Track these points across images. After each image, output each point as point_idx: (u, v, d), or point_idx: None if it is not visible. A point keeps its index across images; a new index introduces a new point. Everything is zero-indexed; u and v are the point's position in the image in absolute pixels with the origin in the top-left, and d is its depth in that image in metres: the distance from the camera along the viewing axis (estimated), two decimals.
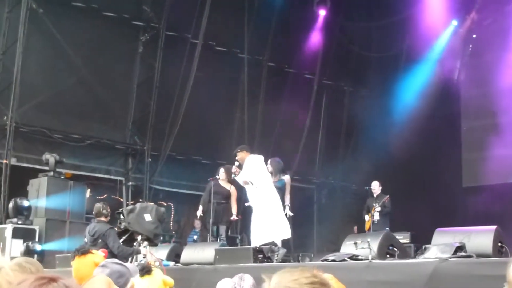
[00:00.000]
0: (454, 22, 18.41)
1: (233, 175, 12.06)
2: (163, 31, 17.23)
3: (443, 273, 7.52)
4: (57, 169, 14.29)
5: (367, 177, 16.06)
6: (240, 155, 11.86)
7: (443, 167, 18.10)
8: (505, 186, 17.07)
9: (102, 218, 10.26)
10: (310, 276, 2.16)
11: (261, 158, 11.83)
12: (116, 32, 17.02)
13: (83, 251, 4.57)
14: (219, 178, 13.69)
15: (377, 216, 14.76)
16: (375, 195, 15.16)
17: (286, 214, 12.02)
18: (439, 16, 18.00)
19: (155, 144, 17.21)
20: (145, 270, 4.28)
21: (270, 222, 11.26)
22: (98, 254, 4.82)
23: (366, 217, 15.20)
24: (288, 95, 19.14)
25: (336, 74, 20.45)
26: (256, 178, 11.57)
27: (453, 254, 7.80)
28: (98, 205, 10.53)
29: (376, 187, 15.21)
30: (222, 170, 13.90)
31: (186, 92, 16.70)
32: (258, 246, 10.24)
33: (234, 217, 13.30)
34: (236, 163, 11.92)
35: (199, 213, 13.70)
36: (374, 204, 14.92)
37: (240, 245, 14.41)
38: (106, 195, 16.40)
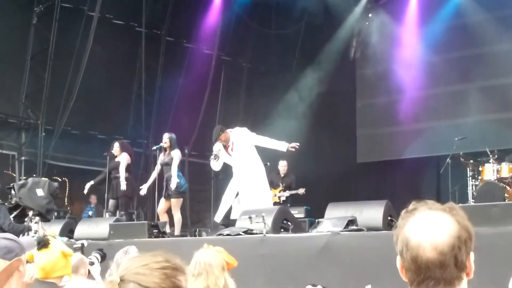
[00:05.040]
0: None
1: (213, 159, 11.52)
2: (59, 2, 16.68)
3: (334, 246, 7.73)
4: None
5: (266, 154, 16.18)
6: (224, 136, 11.41)
7: (338, 143, 18.47)
8: (397, 162, 17.65)
9: None
10: (162, 261, 2.07)
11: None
12: (8, 2, 16.42)
13: None
14: (113, 153, 13.65)
15: (283, 197, 14.83)
16: (282, 174, 15.16)
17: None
18: None
19: (49, 118, 16.75)
20: (42, 243, 4.19)
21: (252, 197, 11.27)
22: None
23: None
24: (186, 70, 19.00)
25: (235, 50, 20.43)
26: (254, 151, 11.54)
27: (344, 228, 8.04)
28: None
29: (283, 166, 15.13)
30: (116, 144, 13.84)
31: (81, 66, 16.29)
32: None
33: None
34: (218, 146, 11.44)
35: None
36: (280, 184, 14.94)
37: (137, 221, 14.36)
38: None
